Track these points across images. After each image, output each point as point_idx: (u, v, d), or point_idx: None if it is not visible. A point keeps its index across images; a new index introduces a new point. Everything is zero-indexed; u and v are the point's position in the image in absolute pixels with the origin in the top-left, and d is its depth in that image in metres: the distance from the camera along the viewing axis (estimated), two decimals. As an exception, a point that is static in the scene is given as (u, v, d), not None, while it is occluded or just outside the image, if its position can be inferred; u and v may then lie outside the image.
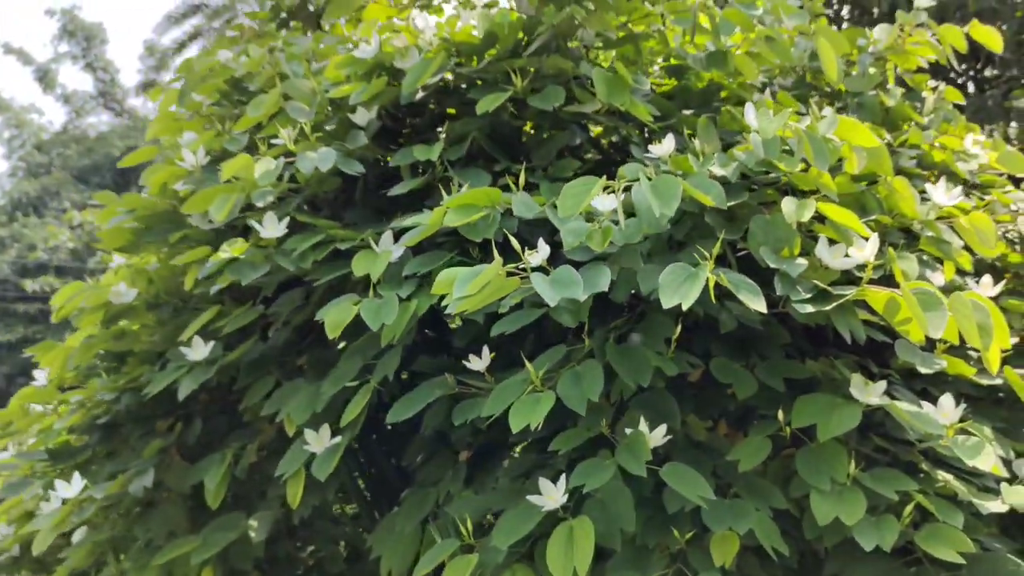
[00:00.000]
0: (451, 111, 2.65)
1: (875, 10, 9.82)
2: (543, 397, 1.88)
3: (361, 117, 2.49)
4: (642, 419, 1.93)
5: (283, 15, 4.90)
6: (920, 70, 3.11)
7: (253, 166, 2.32)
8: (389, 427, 2.85)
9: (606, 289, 1.76)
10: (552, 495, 1.98)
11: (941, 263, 2.28)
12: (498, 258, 1.75)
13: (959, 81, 8.63)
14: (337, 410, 2.39)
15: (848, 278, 1.97)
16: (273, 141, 2.59)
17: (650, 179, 1.88)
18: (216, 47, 3.37)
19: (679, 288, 1.72)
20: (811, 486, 1.90)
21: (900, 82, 3.16)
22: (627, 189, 1.93)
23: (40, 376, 3.49)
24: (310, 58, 3.01)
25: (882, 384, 1.97)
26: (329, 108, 2.58)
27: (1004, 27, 8.37)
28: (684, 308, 1.69)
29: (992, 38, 2.95)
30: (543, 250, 1.88)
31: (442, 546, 2.16)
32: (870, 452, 2.03)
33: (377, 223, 2.46)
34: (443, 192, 2.15)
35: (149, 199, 2.74)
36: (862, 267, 1.93)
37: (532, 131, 2.64)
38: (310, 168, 2.28)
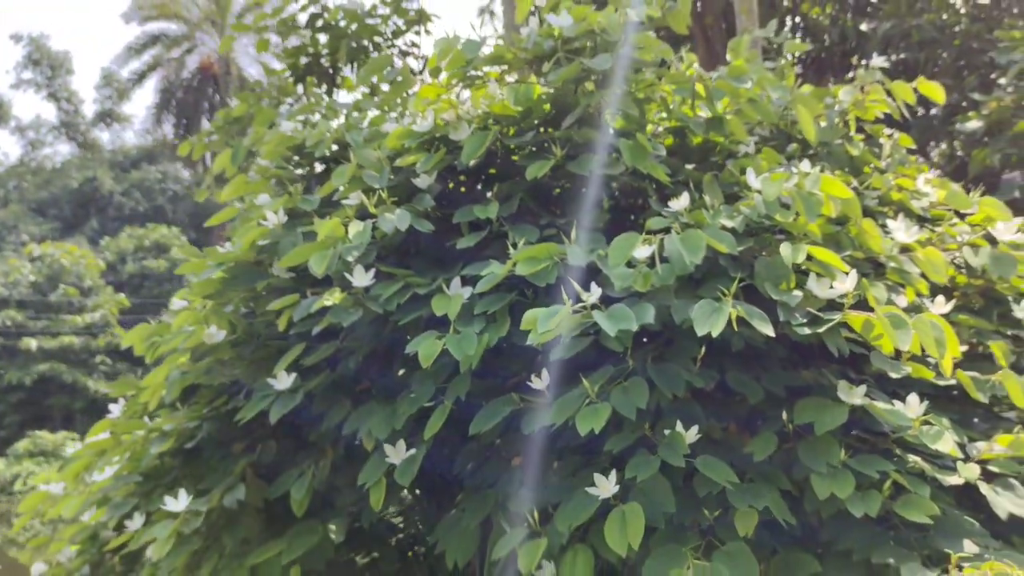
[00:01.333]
0: (492, 171, 3.16)
1: (826, 37, 10.53)
2: (601, 407, 2.39)
3: (423, 181, 3.00)
4: (678, 422, 2.45)
5: (299, 72, 5.36)
6: (876, 120, 3.68)
7: (341, 227, 2.81)
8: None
9: (652, 321, 2.27)
10: (605, 486, 2.49)
11: (903, 287, 2.83)
12: (567, 300, 2.27)
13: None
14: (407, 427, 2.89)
15: (832, 304, 2.51)
16: (344, 202, 3.07)
17: (679, 233, 2.41)
18: (261, 118, 3.85)
19: (708, 319, 2.25)
20: (811, 470, 2.43)
21: (860, 129, 3.73)
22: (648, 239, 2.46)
23: (115, 408, 3.93)
24: (359, 125, 3.50)
25: (862, 388, 2.51)
26: (391, 175, 3.06)
27: (944, 54, 9.08)
28: (714, 335, 2.21)
29: (936, 92, 3.53)
30: (595, 292, 2.39)
31: (512, 534, 2.65)
32: (854, 443, 2.55)
33: (438, 270, 2.95)
34: (509, 246, 2.65)
35: (234, 254, 3.20)
36: (843, 295, 2.47)
37: (565, 189, 3.16)
38: (391, 227, 2.77)
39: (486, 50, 3.23)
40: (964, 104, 8.51)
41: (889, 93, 3.59)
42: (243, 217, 3.38)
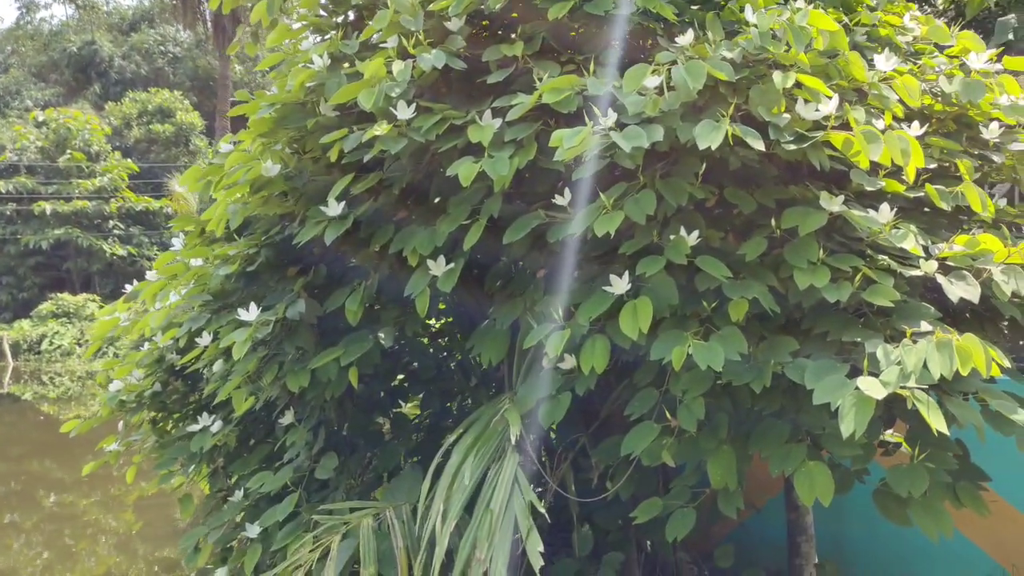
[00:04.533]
0: (515, 15, 3.48)
1: None
2: (615, 215, 2.82)
3: (454, 25, 3.33)
4: (682, 228, 2.89)
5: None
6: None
7: (383, 67, 3.17)
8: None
9: (660, 139, 2.66)
10: (619, 284, 2.94)
11: (883, 112, 3.20)
12: (588, 121, 2.66)
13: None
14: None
15: (817, 126, 2.89)
16: (381, 45, 3.41)
17: (683, 64, 2.77)
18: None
19: (708, 135, 2.64)
20: (794, 266, 2.86)
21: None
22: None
23: (176, 242, 4.37)
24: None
25: (841, 197, 2.92)
26: (425, 19, 3.38)
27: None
28: (713, 148, 2.61)
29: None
30: (611, 117, 2.78)
31: (540, 328, 3.12)
32: (834, 246, 2.97)
33: (469, 105, 3.32)
34: (535, 79, 3.01)
35: (283, 95, 3.57)
36: (827, 117, 2.85)
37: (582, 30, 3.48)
38: (429, 66, 3.13)
39: None
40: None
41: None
42: (289, 62, 3.72)
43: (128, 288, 4.87)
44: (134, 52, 41.17)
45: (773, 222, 2.97)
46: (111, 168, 29.88)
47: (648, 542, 4.69)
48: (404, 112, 3.15)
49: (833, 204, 2.91)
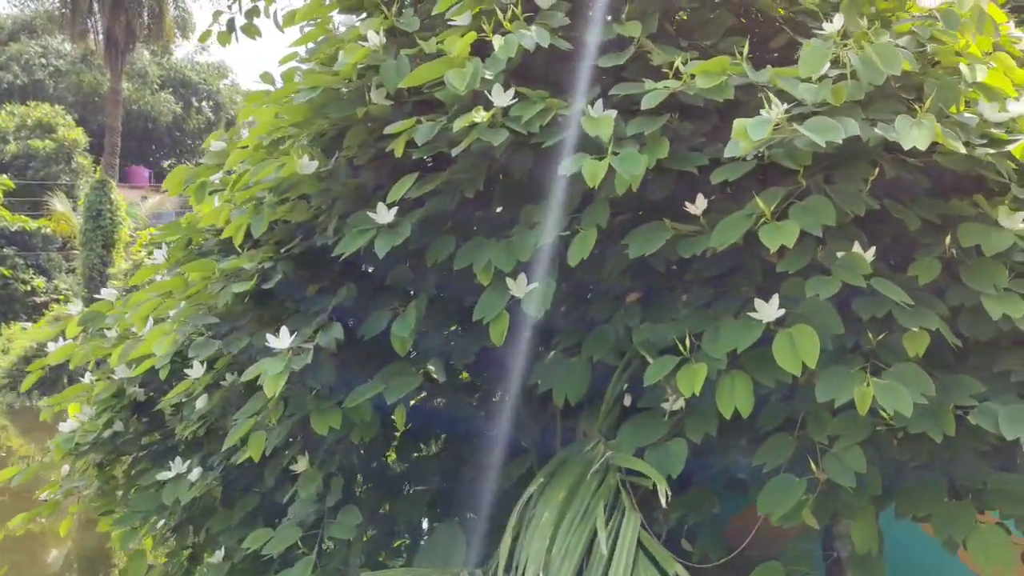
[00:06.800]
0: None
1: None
2: (785, 225, 2.34)
3: (545, 2, 2.81)
4: (856, 242, 2.42)
5: None
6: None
7: (467, 45, 2.61)
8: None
9: (858, 133, 2.20)
10: (767, 310, 2.45)
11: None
12: (780, 108, 2.17)
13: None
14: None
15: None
16: (451, 22, 2.85)
17: (861, 49, 2.32)
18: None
19: (913, 134, 2.19)
20: (980, 292, 2.43)
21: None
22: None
23: (158, 254, 3.68)
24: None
25: (1021, 215, 2.51)
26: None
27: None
28: (922, 148, 2.15)
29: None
30: (779, 107, 2.29)
31: (663, 361, 2.60)
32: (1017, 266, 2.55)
33: (562, 93, 2.79)
34: (679, 69, 2.51)
35: (328, 78, 2.95)
36: (1015, 120, 2.44)
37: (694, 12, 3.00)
38: (532, 44, 2.60)
39: None
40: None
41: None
42: (329, 41, 3.11)
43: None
44: (12, 63, 38.78)
45: (947, 240, 2.53)
46: (-17, 184, 27.84)
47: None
48: (501, 98, 2.60)
49: (1015, 221, 2.50)
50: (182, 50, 47.07)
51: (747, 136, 2.15)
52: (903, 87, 2.50)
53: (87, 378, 4.37)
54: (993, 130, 2.39)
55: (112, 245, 25.08)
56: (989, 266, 2.47)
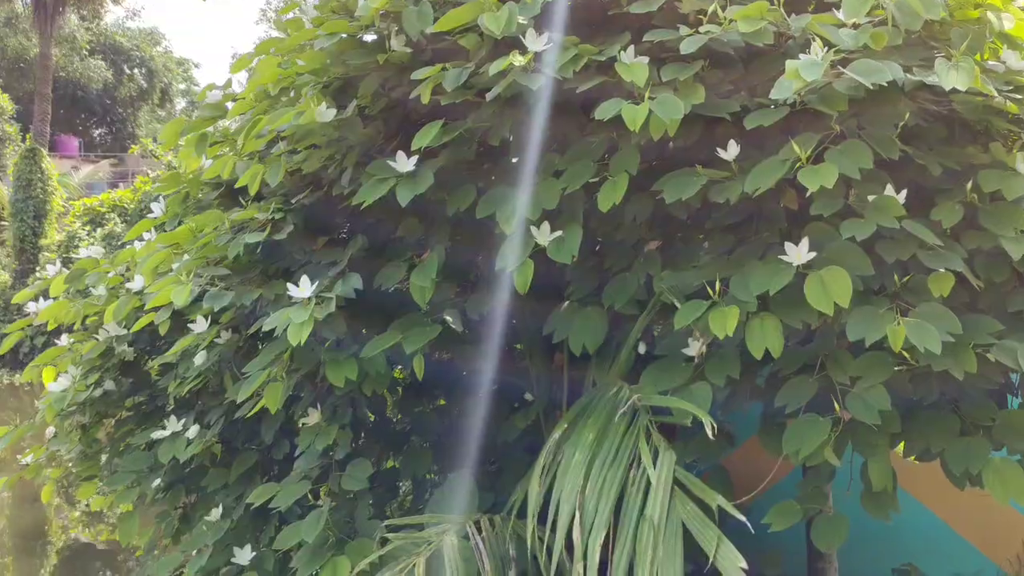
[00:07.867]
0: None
1: None
2: (822, 168, 2.39)
3: (573, -55, 2.81)
4: (889, 185, 2.49)
5: None
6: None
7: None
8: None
9: (902, 75, 2.26)
10: (798, 254, 2.51)
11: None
12: (825, 54, 2.22)
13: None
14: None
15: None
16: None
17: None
18: None
19: (952, 75, 2.26)
20: (999, 235, 2.52)
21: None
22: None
23: (155, 207, 3.61)
24: None
25: (1040, 156, 2.61)
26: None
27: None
28: (962, 89, 2.23)
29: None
30: (819, 52, 2.34)
31: (692, 305, 2.64)
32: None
33: (593, 40, 2.79)
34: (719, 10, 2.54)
35: (343, 23, 2.92)
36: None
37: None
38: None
39: None
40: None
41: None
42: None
43: None
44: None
45: (968, 186, 2.62)
46: None
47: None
48: (535, 43, 2.60)
49: (1033, 165, 2.60)
50: (112, 15, 45.46)
51: (799, 76, 2.19)
52: (928, 36, 2.57)
53: (64, 340, 4.28)
54: (1018, 78, 2.48)
55: (44, 216, 24.30)
56: (1008, 210, 2.56)
